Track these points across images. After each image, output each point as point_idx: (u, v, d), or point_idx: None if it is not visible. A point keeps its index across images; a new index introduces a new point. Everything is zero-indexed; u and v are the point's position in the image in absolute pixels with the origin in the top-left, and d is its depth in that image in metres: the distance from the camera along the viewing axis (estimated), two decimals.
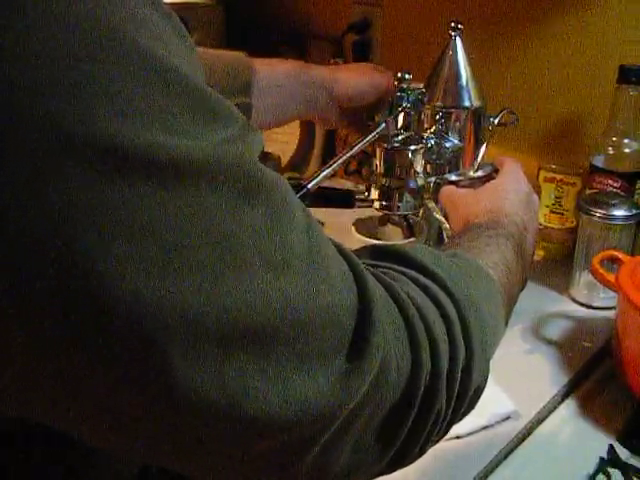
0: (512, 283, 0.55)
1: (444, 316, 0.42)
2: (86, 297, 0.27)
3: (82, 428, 0.32)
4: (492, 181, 0.72)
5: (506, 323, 0.54)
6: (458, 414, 0.44)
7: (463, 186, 0.77)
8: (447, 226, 0.75)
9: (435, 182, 0.79)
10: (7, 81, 0.25)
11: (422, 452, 0.43)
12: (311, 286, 0.33)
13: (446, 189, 0.76)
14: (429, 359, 0.39)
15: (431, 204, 0.83)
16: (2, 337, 0.27)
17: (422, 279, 0.43)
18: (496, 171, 0.76)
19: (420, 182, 0.79)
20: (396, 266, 0.44)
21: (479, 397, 0.46)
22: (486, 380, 0.46)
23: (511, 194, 0.67)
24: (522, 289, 0.60)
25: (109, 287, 0.27)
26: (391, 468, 0.42)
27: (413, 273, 0.43)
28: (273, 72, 0.82)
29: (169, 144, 0.28)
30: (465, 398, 0.43)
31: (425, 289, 0.42)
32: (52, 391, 0.29)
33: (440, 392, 0.40)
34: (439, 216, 0.78)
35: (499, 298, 0.51)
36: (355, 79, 0.85)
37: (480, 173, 0.79)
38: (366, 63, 0.91)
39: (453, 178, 0.79)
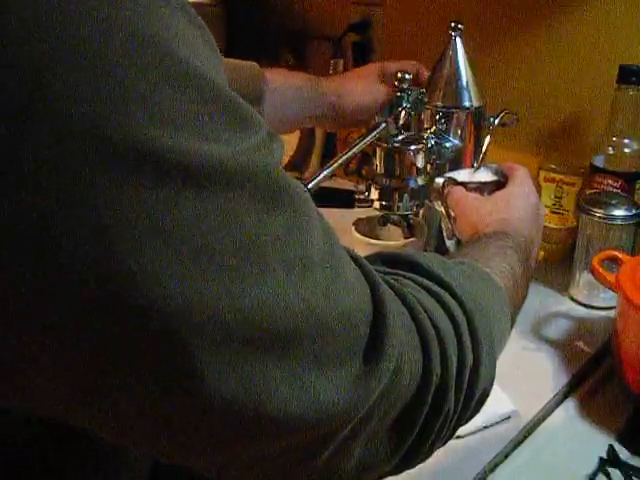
0: (517, 293, 0.56)
1: (453, 321, 0.42)
2: (118, 298, 0.27)
3: (105, 426, 0.32)
4: (503, 190, 0.71)
5: (510, 331, 0.54)
6: (465, 416, 0.45)
7: (472, 189, 0.75)
8: (450, 226, 0.75)
9: (443, 182, 0.78)
10: (47, 86, 0.26)
11: (429, 454, 0.44)
12: (330, 291, 0.33)
13: (456, 192, 0.75)
14: (439, 362, 0.40)
15: (434, 199, 0.84)
16: (32, 340, 0.28)
17: (431, 285, 0.44)
18: (504, 177, 0.75)
19: (420, 182, 0.79)
20: (405, 273, 0.45)
21: (485, 399, 0.47)
22: (492, 383, 0.47)
23: (521, 206, 0.68)
24: (524, 300, 0.61)
25: (142, 288, 0.27)
26: (399, 468, 0.43)
27: (422, 279, 0.44)
28: (284, 84, 0.85)
29: (202, 150, 0.29)
30: (472, 400, 0.44)
31: (434, 295, 0.43)
32: (80, 391, 0.30)
33: (449, 394, 0.41)
34: (442, 209, 0.78)
35: (505, 304, 0.52)
36: (359, 94, 0.87)
37: (489, 177, 0.76)
38: (373, 68, 0.91)
39: (461, 179, 0.76)
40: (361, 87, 0.87)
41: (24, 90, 0.25)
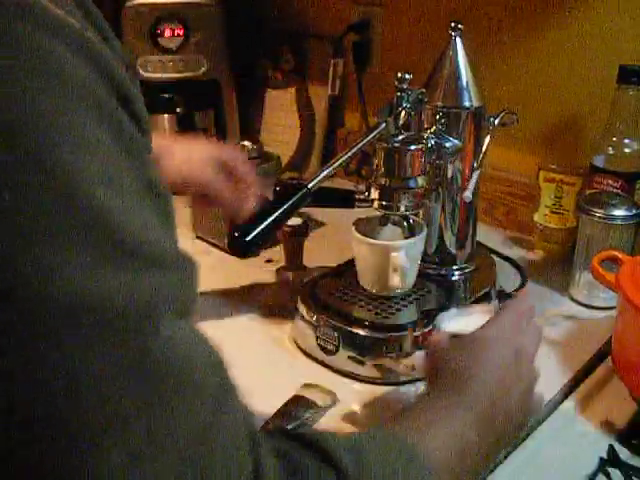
0: (466, 460, 0.51)
1: None
2: None
3: None
4: (474, 332, 0.61)
5: None
6: None
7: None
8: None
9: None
10: None
11: None
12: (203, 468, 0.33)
13: (438, 336, 0.66)
14: None
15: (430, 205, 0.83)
16: None
17: (323, 466, 0.41)
18: None
19: (420, 182, 0.79)
20: (301, 450, 0.41)
21: None
22: None
23: (492, 352, 0.58)
24: (485, 467, 0.56)
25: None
26: None
27: (316, 459, 0.41)
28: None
29: (70, 284, 0.29)
30: None
31: (322, 476, 0.40)
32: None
33: None
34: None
35: None
36: (177, 163, 0.82)
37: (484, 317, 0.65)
38: (205, 149, 0.85)
39: (453, 327, 0.67)
40: (181, 158, 0.82)
41: None
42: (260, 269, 1.00)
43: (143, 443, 0.31)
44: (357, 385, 0.77)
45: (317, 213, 1.15)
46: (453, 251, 0.89)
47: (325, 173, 0.71)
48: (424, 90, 0.80)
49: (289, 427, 0.68)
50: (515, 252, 1.05)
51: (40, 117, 0.29)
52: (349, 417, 0.72)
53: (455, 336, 0.62)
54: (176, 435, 0.32)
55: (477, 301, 0.85)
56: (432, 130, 0.82)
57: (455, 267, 0.90)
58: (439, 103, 0.82)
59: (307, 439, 0.42)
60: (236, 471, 0.35)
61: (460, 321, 0.68)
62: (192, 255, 0.37)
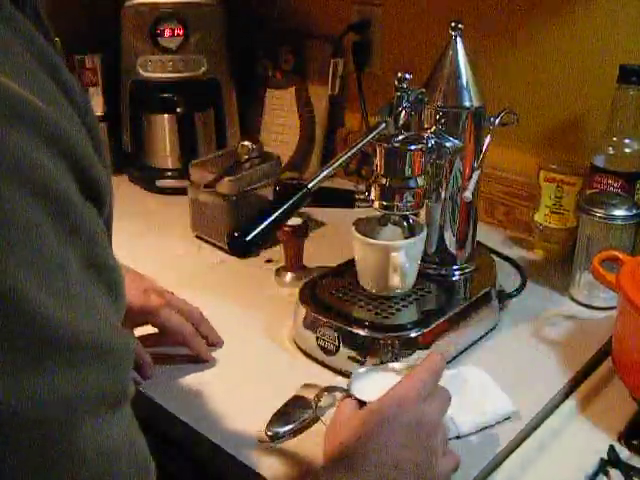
0: None
1: None
2: None
3: None
4: (375, 404, 0.58)
5: None
6: None
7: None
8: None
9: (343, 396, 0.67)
10: None
11: None
12: None
13: (344, 405, 0.62)
14: None
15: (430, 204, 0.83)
16: None
17: None
18: None
19: (420, 182, 0.79)
20: None
21: None
22: None
23: (389, 429, 0.55)
24: None
25: None
26: None
27: None
28: None
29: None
30: None
31: None
32: None
33: None
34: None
35: None
36: None
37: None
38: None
39: (358, 395, 0.63)
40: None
41: None
42: (260, 269, 1.00)
43: None
44: None
45: (317, 213, 1.15)
46: (453, 251, 0.89)
47: (325, 173, 0.71)
48: (424, 90, 0.80)
49: (289, 427, 0.68)
50: (515, 252, 1.05)
51: None
52: None
53: (361, 402, 0.62)
54: None
55: (476, 304, 0.85)
56: (432, 130, 0.82)
57: (455, 267, 0.90)
58: (439, 103, 0.82)
59: None
60: None
61: (371, 383, 0.65)
62: (127, 332, 0.37)
